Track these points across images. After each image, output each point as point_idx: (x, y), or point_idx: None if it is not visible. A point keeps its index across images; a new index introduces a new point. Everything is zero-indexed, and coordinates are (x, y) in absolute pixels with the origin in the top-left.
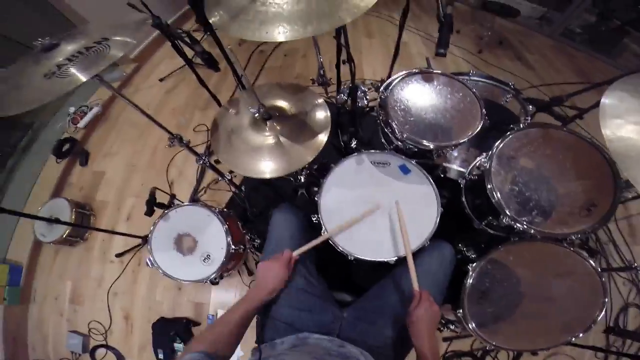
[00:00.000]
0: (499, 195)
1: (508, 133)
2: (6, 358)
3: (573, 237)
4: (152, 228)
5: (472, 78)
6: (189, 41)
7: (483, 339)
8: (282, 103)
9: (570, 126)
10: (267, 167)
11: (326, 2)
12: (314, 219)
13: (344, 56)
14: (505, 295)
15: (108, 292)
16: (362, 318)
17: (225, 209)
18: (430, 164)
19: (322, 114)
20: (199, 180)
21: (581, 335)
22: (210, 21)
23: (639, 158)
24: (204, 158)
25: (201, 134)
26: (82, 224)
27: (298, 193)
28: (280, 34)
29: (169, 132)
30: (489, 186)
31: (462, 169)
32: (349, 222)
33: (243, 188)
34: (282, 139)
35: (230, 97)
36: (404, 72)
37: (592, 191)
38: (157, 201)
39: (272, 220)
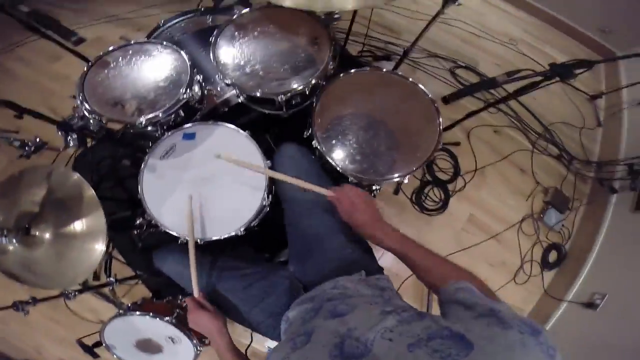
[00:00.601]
0: (261, 89)
1: (213, 40)
2: None
3: (331, 65)
4: None
5: (167, 26)
6: None
7: (399, 176)
8: (22, 205)
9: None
10: (97, 248)
11: None
12: (180, 242)
13: None
14: (362, 135)
15: None
16: (302, 259)
17: (129, 305)
18: (207, 110)
19: (65, 176)
20: (111, 300)
21: (440, 121)
22: None
23: None
24: (69, 293)
25: None
26: None
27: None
28: None
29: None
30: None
31: (233, 91)
32: (189, 217)
33: (139, 272)
34: (64, 230)
35: None
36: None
37: (308, 33)
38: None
39: (166, 272)
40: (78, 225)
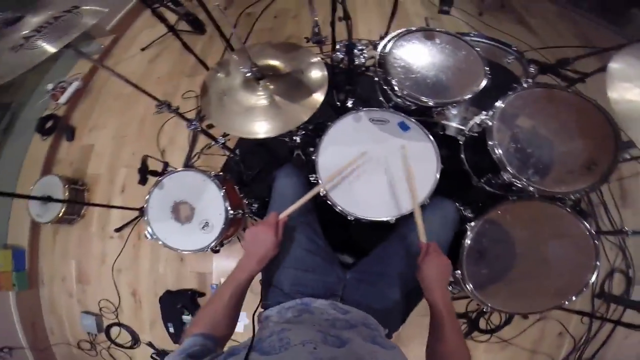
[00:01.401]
0: (500, 151)
1: (511, 92)
2: (29, 345)
3: (571, 197)
4: (147, 197)
5: (473, 39)
6: (172, 5)
7: (480, 301)
8: (275, 62)
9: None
10: (262, 128)
11: None
12: (311, 178)
13: (339, 14)
14: (502, 256)
15: (112, 269)
16: (364, 280)
17: (221, 173)
18: (429, 121)
19: (318, 73)
20: (192, 147)
21: (573, 298)
22: None
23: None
24: (194, 123)
25: (190, 101)
26: (77, 199)
27: (294, 154)
28: None
29: (156, 99)
30: (490, 142)
31: (461, 127)
32: (338, 170)
33: (237, 151)
34: (276, 98)
35: (218, 60)
36: (404, 29)
37: (593, 150)
38: (150, 169)
39: (275, 183)
40: (287, 106)
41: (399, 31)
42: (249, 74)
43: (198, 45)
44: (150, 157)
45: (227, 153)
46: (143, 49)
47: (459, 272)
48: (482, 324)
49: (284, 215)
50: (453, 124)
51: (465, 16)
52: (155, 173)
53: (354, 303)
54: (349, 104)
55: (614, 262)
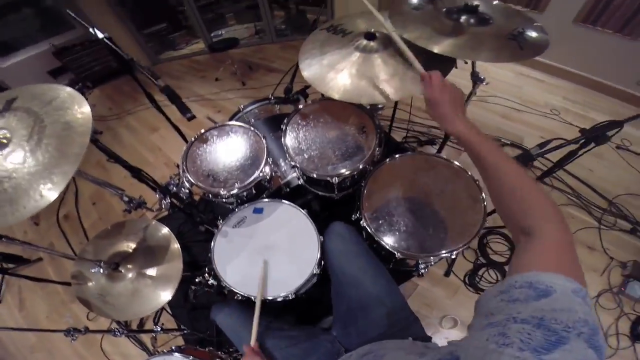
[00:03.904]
0: (317, 172)
1: (284, 127)
2: None
3: (377, 151)
4: None
5: (245, 111)
6: None
7: (446, 253)
8: (117, 247)
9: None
10: (163, 295)
11: (51, 145)
12: (239, 298)
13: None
14: (409, 216)
15: None
16: (346, 324)
17: (172, 347)
18: (273, 190)
19: (158, 230)
20: (144, 348)
21: (483, 197)
22: None
23: (352, 90)
24: (118, 330)
25: (99, 317)
26: None
27: (225, 293)
28: (39, 198)
29: (58, 331)
30: (308, 172)
31: (294, 174)
32: (261, 278)
33: (183, 326)
34: (145, 272)
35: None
36: (185, 147)
37: (357, 122)
38: None
39: (219, 325)
40: (158, 270)
41: (184, 150)
42: (104, 271)
43: (48, 270)
44: None
45: (176, 334)
46: None
47: (398, 255)
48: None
49: (253, 342)
50: (290, 176)
51: (236, 92)
52: None
53: (359, 345)
54: (215, 228)
55: None
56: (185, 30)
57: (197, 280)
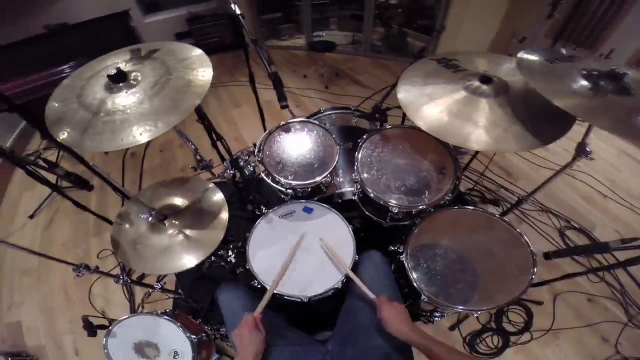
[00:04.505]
0: (375, 192)
1: (359, 145)
2: None
3: (447, 198)
4: (105, 351)
5: (325, 113)
6: (45, 165)
7: (464, 309)
8: (172, 200)
9: (396, 121)
10: (187, 260)
11: (168, 96)
12: (256, 284)
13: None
14: (446, 265)
15: None
16: (345, 343)
17: (167, 310)
18: (326, 196)
19: (214, 196)
20: (131, 299)
21: (535, 270)
22: (59, 140)
23: (444, 126)
24: (122, 278)
25: (108, 259)
26: None
27: (237, 273)
28: (138, 136)
29: (71, 263)
30: (367, 189)
31: (351, 188)
32: (283, 267)
33: (180, 290)
34: (186, 232)
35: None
36: (266, 132)
37: (436, 160)
38: (96, 324)
39: (220, 303)
40: (199, 234)
41: (264, 135)
42: (150, 219)
43: (91, 200)
44: (91, 316)
45: (170, 295)
46: (31, 216)
47: (423, 297)
48: (508, 327)
49: (258, 312)
50: (345, 189)
51: (318, 93)
52: (103, 327)
53: None
54: (262, 211)
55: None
56: (294, 25)
57: (219, 252)
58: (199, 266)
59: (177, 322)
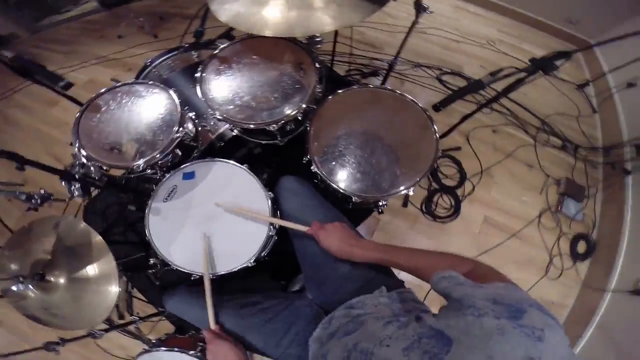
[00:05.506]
0: (247, 120)
1: (199, 76)
2: None
3: (319, 89)
4: None
5: (155, 63)
6: None
7: (397, 191)
8: (31, 255)
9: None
10: (107, 294)
11: None
12: (192, 278)
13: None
14: (360, 154)
15: None
16: (319, 285)
17: (154, 341)
18: (204, 148)
19: (75, 226)
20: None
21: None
22: None
23: (287, 22)
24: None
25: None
26: None
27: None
28: None
29: (38, 348)
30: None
31: (226, 126)
32: (205, 253)
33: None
34: (75, 275)
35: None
36: (74, 121)
37: (293, 60)
38: None
39: (172, 310)
40: (90, 270)
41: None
42: (30, 286)
43: None
44: None
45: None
46: None
47: (355, 198)
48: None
49: (212, 323)
50: (221, 130)
51: (147, 47)
52: None
53: (335, 305)
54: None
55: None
56: None
57: (150, 262)
58: (152, 284)
59: (173, 348)
